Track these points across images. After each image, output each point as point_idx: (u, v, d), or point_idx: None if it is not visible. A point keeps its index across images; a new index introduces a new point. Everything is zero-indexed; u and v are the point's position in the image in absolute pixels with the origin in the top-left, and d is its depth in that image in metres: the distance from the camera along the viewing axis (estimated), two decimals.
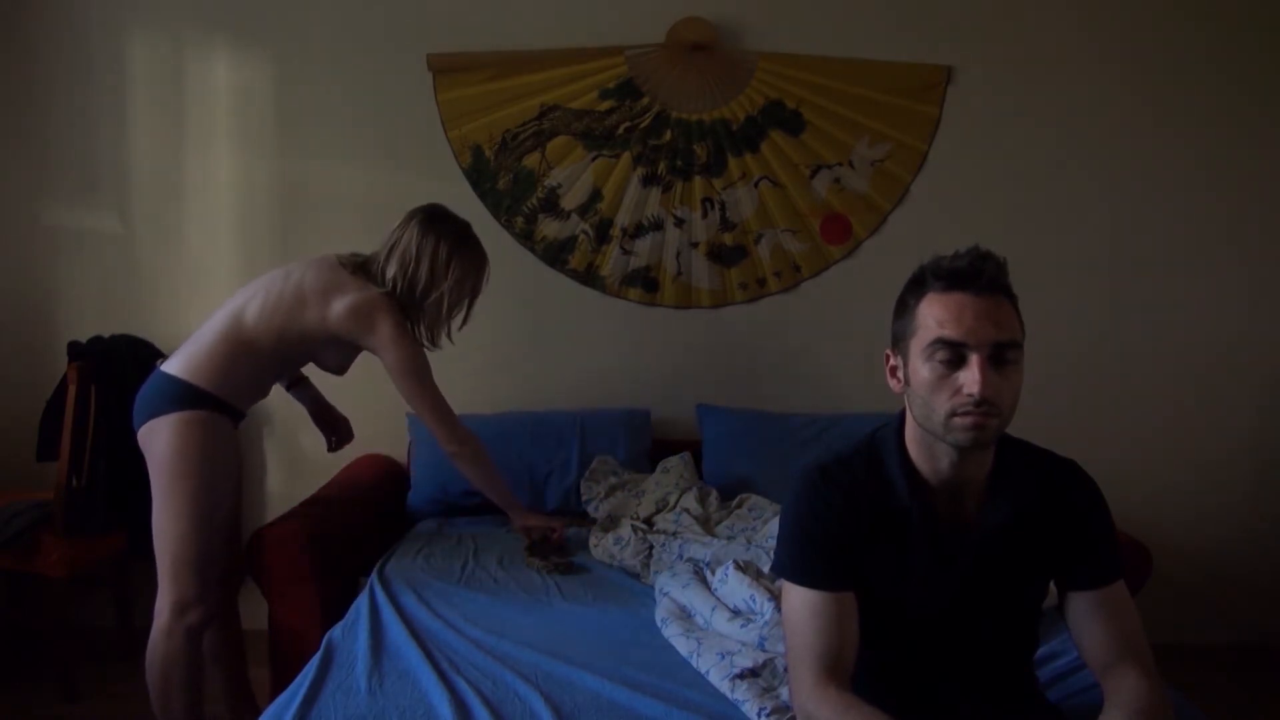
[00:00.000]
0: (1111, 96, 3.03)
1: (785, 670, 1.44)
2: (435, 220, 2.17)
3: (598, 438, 2.86)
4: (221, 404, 2.00)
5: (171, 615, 1.98)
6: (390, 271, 2.12)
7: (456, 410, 2.57)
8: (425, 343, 2.19)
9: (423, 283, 2.12)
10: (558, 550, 2.36)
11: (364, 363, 3.08)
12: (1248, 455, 3.13)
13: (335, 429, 2.46)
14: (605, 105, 2.99)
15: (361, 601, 1.99)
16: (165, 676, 1.99)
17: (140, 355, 2.85)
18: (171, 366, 2.01)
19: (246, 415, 2.15)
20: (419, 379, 2.13)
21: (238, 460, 2.17)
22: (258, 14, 2.95)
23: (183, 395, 1.96)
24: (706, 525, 2.46)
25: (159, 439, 1.95)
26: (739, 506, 2.57)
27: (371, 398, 3.06)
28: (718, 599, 1.90)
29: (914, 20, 3.00)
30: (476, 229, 2.98)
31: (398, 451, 3.01)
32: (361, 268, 2.14)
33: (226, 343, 2.02)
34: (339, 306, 2.05)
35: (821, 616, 1.29)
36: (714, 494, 2.64)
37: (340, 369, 2.22)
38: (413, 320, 2.16)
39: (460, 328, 2.25)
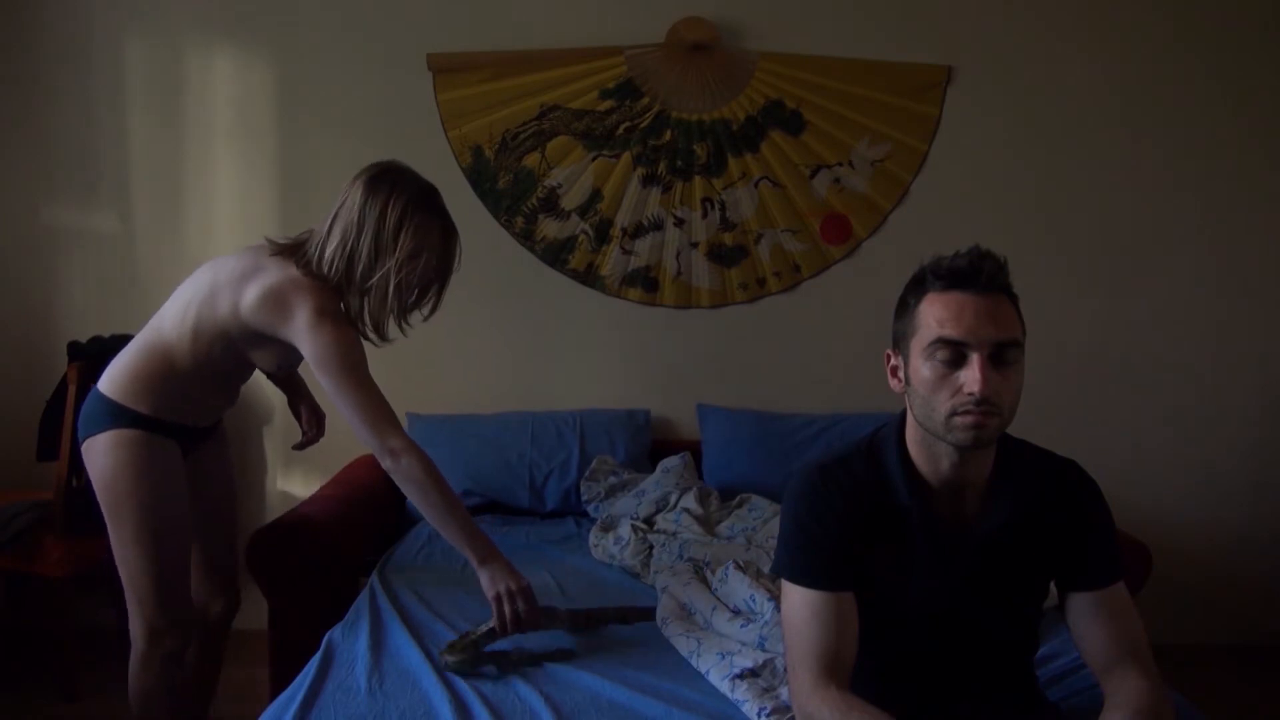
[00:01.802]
0: (1110, 96, 3.03)
1: (785, 670, 1.44)
2: (385, 179, 1.79)
3: (598, 438, 2.86)
4: (154, 422, 1.79)
5: (146, 644, 1.84)
6: (330, 246, 1.76)
7: (457, 410, 2.56)
8: (370, 335, 1.82)
9: (364, 256, 1.75)
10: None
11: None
12: (1248, 455, 3.13)
13: (315, 422, 2.17)
14: (605, 105, 2.99)
15: (361, 601, 1.98)
16: (146, 707, 1.88)
17: None
18: (102, 381, 1.82)
19: (213, 425, 1.96)
20: (342, 373, 1.71)
21: (195, 477, 1.93)
22: (258, 14, 2.95)
23: (110, 413, 1.77)
24: (706, 525, 2.46)
25: (94, 461, 1.80)
26: (739, 506, 2.57)
27: None
28: (718, 599, 1.90)
29: (914, 20, 3.00)
30: (476, 229, 3.01)
31: None
32: (292, 248, 1.81)
33: (144, 353, 1.80)
34: (251, 293, 1.74)
35: (821, 616, 1.29)
36: (714, 494, 2.65)
37: (278, 369, 1.91)
38: (355, 305, 1.79)
39: (427, 317, 1.90)
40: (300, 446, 2.17)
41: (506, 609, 1.71)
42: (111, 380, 1.80)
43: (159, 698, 1.88)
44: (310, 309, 1.72)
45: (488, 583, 1.73)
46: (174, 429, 1.83)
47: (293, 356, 1.84)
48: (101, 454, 1.79)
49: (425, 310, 1.90)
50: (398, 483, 1.76)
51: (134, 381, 1.78)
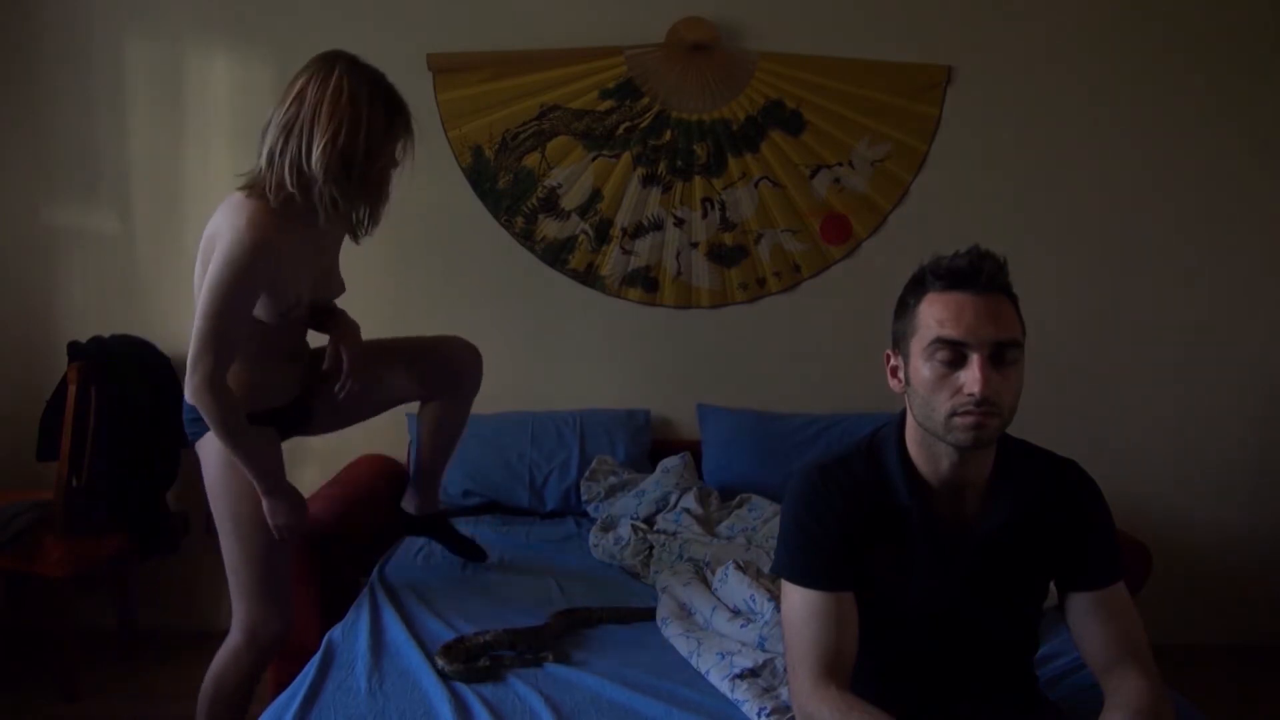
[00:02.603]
0: (1111, 96, 3.02)
1: (785, 670, 1.44)
2: (310, 66, 1.67)
3: (598, 438, 2.86)
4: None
5: (243, 638, 1.90)
6: (267, 143, 1.66)
7: None
8: (287, 187, 1.65)
9: (302, 135, 1.64)
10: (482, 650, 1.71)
11: None
12: (1248, 455, 3.13)
13: (336, 356, 1.93)
14: (605, 105, 2.99)
15: (362, 601, 1.99)
16: (218, 689, 1.91)
17: (140, 355, 2.86)
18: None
19: (304, 397, 1.92)
20: (211, 298, 1.63)
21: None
22: (257, 14, 2.95)
23: (197, 417, 1.74)
24: (706, 525, 2.46)
25: (201, 463, 1.85)
26: (739, 506, 2.57)
27: None
28: (718, 599, 1.91)
29: (914, 20, 3.00)
30: (476, 229, 3.01)
31: (398, 451, 3.01)
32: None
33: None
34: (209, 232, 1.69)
35: (821, 616, 1.29)
36: (714, 494, 2.65)
37: (279, 314, 1.77)
38: (305, 196, 1.66)
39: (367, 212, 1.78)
40: (324, 378, 1.94)
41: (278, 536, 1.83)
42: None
43: (232, 694, 1.90)
44: (239, 219, 1.63)
45: (268, 512, 1.82)
46: (255, 416, 1.80)
47: (281, 293, 1.73)
48: (204, 455, 1.85)
49: (375, 189, 1.76)
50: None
51: None
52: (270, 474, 1.80)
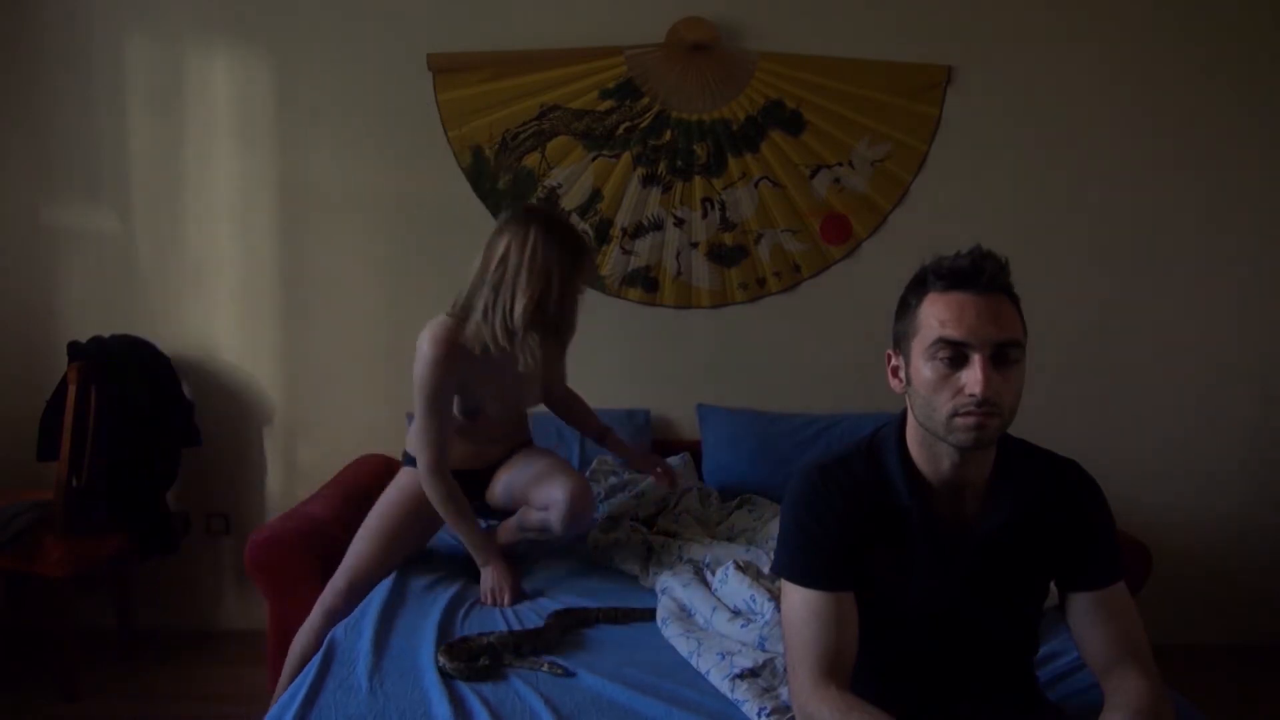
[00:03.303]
0: (1111, 96, 3.03)
1: (785, 670, 1.44)
2: (515, 220, 2.04)
3: None
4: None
5: (322, 617, 2.08)
6: (481, 300, 2.02)
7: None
8: (500, 340, 2.00)
9: (489, 278, 2.01)
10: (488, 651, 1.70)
11: (365, 363, 3.08)
12: (1247, 456, 3.13)
13: (655, 466, 2.47)
14: (605, 105, 2.99)
15: (365, 601, 1.99)
16: (298, 665, 2.05)
17: (140, 355, 2.86)
18: None
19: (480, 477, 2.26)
20: (418, 394, 2.04)
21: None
22: (258, 14, 2.95)
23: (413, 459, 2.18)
24: (706, 526, 2.46)
25: (391, 484, 2.24)
26: (739, 507, 2.57)
27: (371, 398, 3.07)
28: (718, 599, 1.90)
29: (914, 20, 3.00)
30: (476, 229, 2.99)
31: (398, 452, 3.00)
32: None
33: None
34: None
35: (821, 617, 1.29)
36: (714, 494, 2.65)
37: (462, 413, 2.15)
38: (473, 322, 2.02)
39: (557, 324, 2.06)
40: (668, 488, 2.48)
41: (488, 600, 2.04)
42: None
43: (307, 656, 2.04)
44: (424, 340, 2.02)
45: (484, 580, 2.07)
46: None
47: (465, 398, 2.12)
48: (400, 478, 2.22)
49: (565, 326, 2.09)
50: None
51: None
52: (488, 548, 2.10)
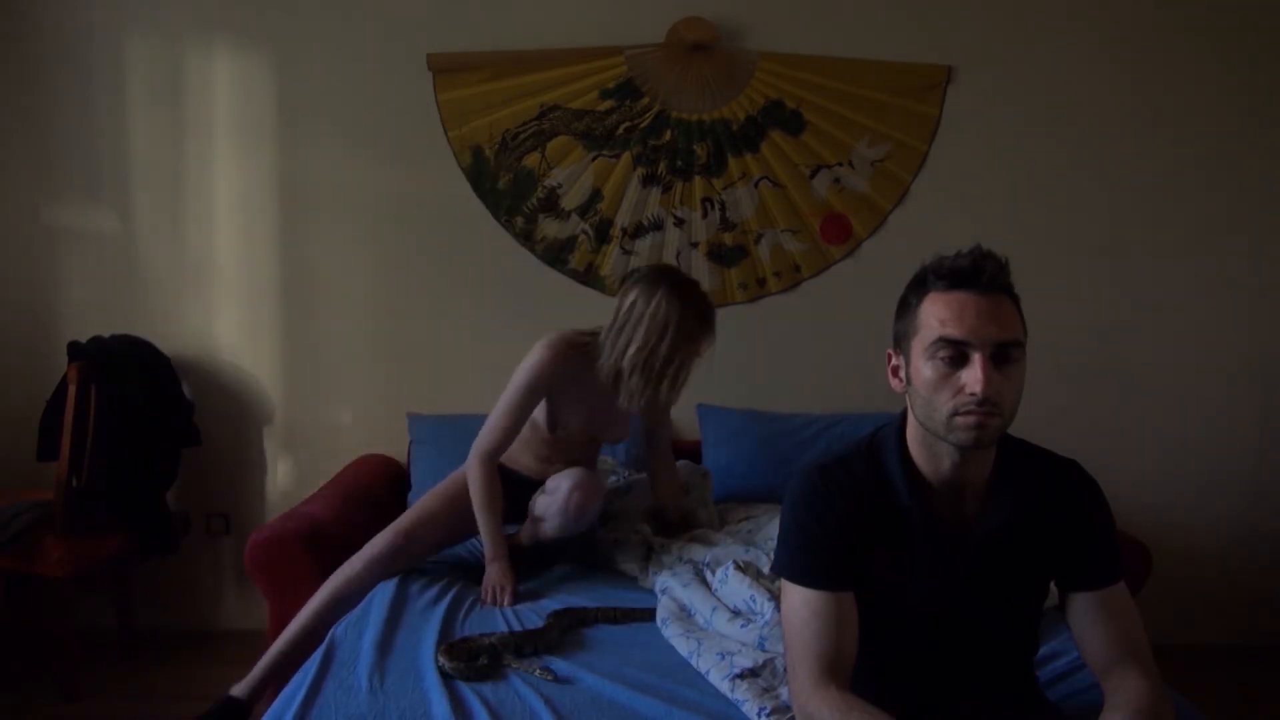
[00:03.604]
0: (1111, 96, 3.03)
1: (785, 670, 1.44)
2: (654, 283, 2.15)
3: None
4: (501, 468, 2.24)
5: (370, 563, 2.11)
6: (609, 337, 2.18)
7: (457, 410, 2.57)
8: (606, 376, 2.16)
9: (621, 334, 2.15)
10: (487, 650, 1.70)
11: (365, 363, 3.08)
12: (1247, 456, 3.13)
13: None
14: (605, 105, 2.99)
15: (366, 600, 1.99)
16: (338, 592, 2.09)
17: (140, 355, 2.86)
18: None
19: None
20: (510, 384, 2.19)
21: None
22: (258, 14, 2.95)
23: None
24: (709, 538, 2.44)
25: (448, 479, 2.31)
26: (743, 520, 2.55)
27: (371, 398, 3.07)
28: (718, 599, 1.90)
29: (914, 20, 3.00)
30: (476, 229, 3.02)
31: (398, 451, 3.01)
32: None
33: None
34: None
35: (821, 616, 1.29)
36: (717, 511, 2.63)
37: (545, 424, 2.27)
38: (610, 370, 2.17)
39: (671, 386, 2.18)
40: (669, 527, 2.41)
41: (488, 599, 2.06)
42: None
43: (348, 591, 2.08)
44: (540, 342, 2.18)
45: (486, 576, 2.10)
46: (510, 475, 2.27)
47: (553, 413, 2.24)
48: (452, 476, 2.30)
49: (669, 380, 2.15)
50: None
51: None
52: (500, 545, 2.14)
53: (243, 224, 3.01)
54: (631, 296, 2.13)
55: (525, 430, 2.26)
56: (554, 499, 2.16)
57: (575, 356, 2.17)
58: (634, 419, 2.38)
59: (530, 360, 2.16)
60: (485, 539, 2.15)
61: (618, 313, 2.15)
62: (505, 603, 2.03)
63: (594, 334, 2.20)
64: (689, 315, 2.10)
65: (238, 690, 2.08)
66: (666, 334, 2.08)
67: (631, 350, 2.10)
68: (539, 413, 2.25)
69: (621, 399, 2.16)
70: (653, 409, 2.31)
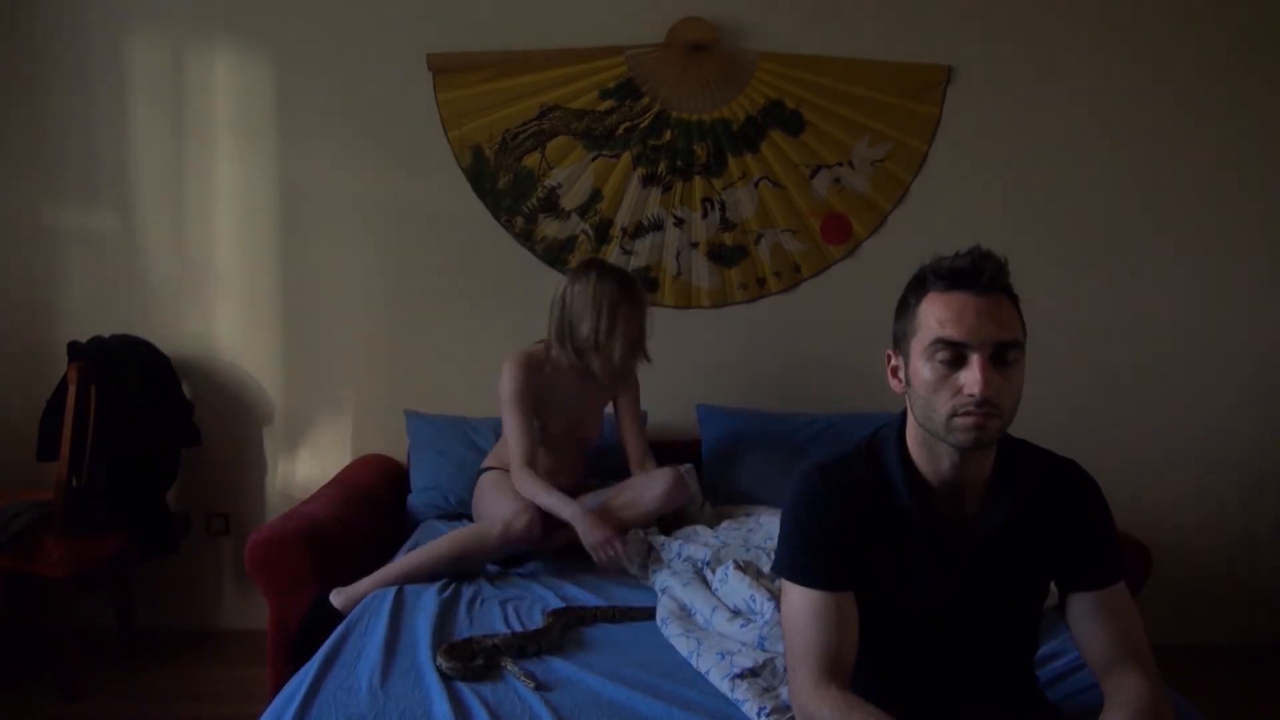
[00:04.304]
0: (1111, 96, 3.03)
1: (785, 670, 1.44)
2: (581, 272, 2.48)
3: None
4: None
5: (504, 524, 2.20)
6: (553, 327, 2.49)
7: (457, 411, 2.56)
8: (570, 358, 2.45)
9: (562, 321, 2.46)
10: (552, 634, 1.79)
11: (365, 363, 3.08)
12: (1247, 456, 3.13)
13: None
14: (605, 105, 2.99)
15: (369, 600, 1.99)
16: (465, 552, 2.19)
17: (140, 355, 2.86)
18: None
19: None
20: (502, 402, 2.43)
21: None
22: (258, 14, 2.95)
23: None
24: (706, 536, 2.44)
25: (479, 484, 2.56)
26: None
27: (371, 398, 3.07)
28: (718, 599, 1.90)
29: (914, 20, 3.00)
30: (476, 229, 3.02)
31: (398, 451, 3.01)
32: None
33: None
34: None
35: (821, 616, 1.29)
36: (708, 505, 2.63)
37: (543, 424, 2.50)
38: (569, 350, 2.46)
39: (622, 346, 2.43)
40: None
41: (602, 556, 2.25)
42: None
43: (461, 560, 2.18)
44: (504, 363, 2.45)
45: (582, 535, 2.27)
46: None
47: (538, 413, 2.47)
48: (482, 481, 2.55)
49: (620, 344, 2.43)
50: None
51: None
52: (573, 503, 2.30)
53: (243, 224, 3.01)
54: (564, 290, 2.45)
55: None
56: (658, 482, 2.37)
57: (536, 363, 2.47)
58: (607, 418, 2.64)
59: (504, 378, 2.43)
60: (560, 510, 2.28)
61: (561, 309, 2.45)
62: (619, 550, 2.22)
63: (543, 341, 2.52)
64: (613, 286, 2.42)
65: (336, 600, 2.13)
66: (603, 307, 2.41)
67: (585, 331, 2.42)
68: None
69: (595, 367, 2.45)
70: (623, 375, 2.56)
